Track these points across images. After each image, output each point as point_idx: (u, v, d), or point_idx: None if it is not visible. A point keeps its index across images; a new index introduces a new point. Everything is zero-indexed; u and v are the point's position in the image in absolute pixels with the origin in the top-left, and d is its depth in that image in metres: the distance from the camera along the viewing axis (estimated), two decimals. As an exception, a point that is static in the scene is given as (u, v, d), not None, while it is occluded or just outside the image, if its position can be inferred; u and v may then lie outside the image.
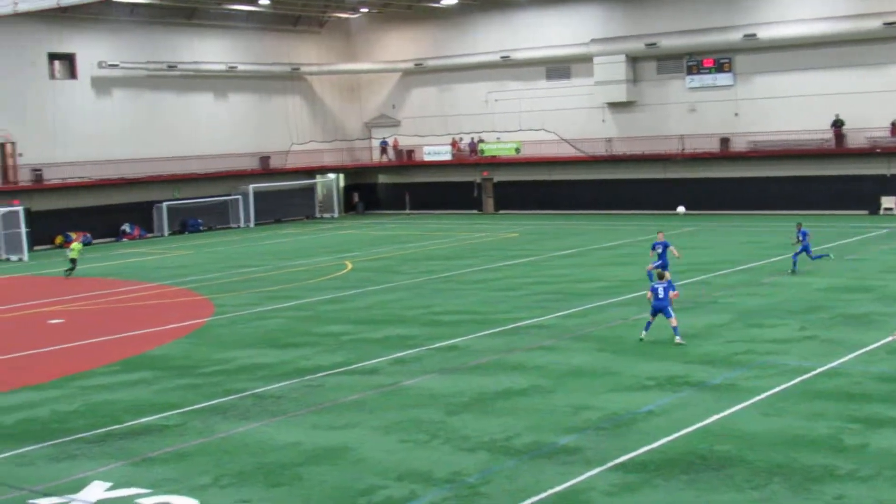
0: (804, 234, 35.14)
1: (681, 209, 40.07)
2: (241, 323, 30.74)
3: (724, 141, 61.80)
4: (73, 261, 44.75)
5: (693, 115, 63.06)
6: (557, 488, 14.84)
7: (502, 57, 68.99)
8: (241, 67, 69.51)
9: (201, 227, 66.41)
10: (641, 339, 24.83)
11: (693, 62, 62.71)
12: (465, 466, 16.04)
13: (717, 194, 61.96)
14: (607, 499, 14.41)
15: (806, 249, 35.26)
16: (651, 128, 64.23)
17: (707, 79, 62.50)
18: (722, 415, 18.22)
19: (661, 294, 24.61)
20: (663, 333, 25.45)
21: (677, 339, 24.49)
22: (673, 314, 24.57)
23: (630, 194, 64.91)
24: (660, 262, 32.06)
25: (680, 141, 62.98)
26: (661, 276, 25.38)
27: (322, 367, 23.75)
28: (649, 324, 25.05)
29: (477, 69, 70.99)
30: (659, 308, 24.60)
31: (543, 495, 14.59)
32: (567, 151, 67.17)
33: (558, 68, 67.93)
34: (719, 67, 61.97)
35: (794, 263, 35.31)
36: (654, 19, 63.37)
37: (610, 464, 15.77)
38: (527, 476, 15.44)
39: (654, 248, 33.13)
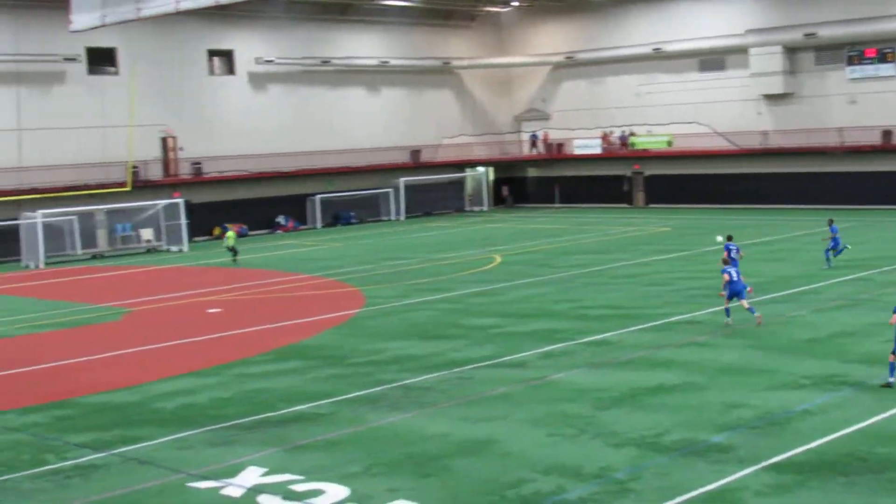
0: (835, 229, 36.50)
1: (719, 238, 39.67)
2: (391, 314, 31.09)
3: (887, 133, 59.77)
4: (231, 249, 46.56)
5: (853, 106, 61.16)
6: (708, 487, 14.59)
7: (654, 49, 68.12)
8: (393, 62, 70.27)
9: (353, 220, 67.39)
10: (727, 325, 26.16)
11: (854, 52, 60.85)
12: (613, 462, 15.91)
13: (879, 188, 59.97)
14: (760, 499, 14.10)
15: (835, 244, 36.37)
16: (809, 120, 62.56)
17: (869, 69, 60.55)
18: (883, 416, 17.66)
19: (734, 277, 26.19)
20: (820, 331, 24.88)
21: (757, 315, 26.12)
22: (746, 296, 26.34)
23: (786, 189, 63.35)
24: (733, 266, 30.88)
25: (839, 134, 61.18)
26: (726, 261, 27.08)
27: (470, 360, 23.85)
28: (728, 309, 26.39)
29: (628, 62, 70.28)
30: (735, 292, 26.17)
31: (694, 493, 14.36)
32: (720, 144, 65.92)
33: (712, 60, 66.74)
34: (882, 58, 59.95)
35: (828, 259, 36.33)
36: (812, 9, 61.67)
37: (763, 463, 15.44)
38: (677, 473, 15.23)
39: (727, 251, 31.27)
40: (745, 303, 26.31)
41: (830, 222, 37.23)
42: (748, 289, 26.63)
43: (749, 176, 65.17)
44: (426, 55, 72.45)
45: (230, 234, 48.05)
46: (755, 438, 16.76)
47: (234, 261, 47.02)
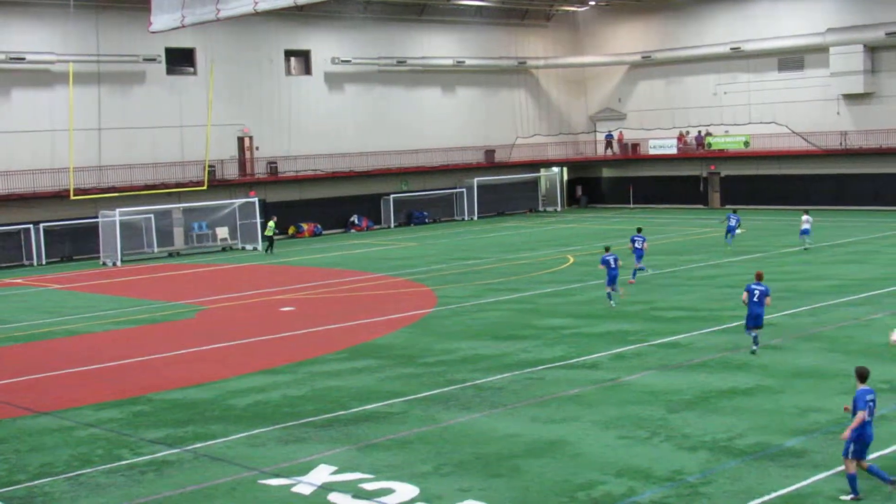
0: (730, 217, 44.45)
1: (739, 231, 45.90)
2: (463, 314, 31.11)
3: (970, 134, 58.58)
4: (269, 238, 48.12)
5: (936, 106, 60.05)
6: (781, 491, 14.43)
7: (732, 48, 67.36)
8: (468, 62, 70.31)
9: (426, 220, 67.54)
10: (613, 307, 30.54)
11: (937, 51, 59.72)
12: (685, 465, 15.78)
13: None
14: (834, 505, 13.92)
15: (730, 230, 44.12)
16: (889, 120, 61.41)
17: (952, 68, 59.40)
18: (962, 422, 17.32)
19: (612, 265, 30.77)
20: None
21: (621, 290, 31.65)
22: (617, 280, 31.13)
23: (866, 189, 62.29)
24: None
25: (921, 134, 60.09)
26: (607, 249, 31.89)
27: (542, 361, 23.79)
28: (609, 294, 31.04)
29: (706, 61, 69.59)
30: (613, 276, 30.78)
31: (766, 498, 14.21)
32: (798, 145, 65.01)
33: (791, 59, 65.84)
34: (966, 56, 58.75)
35: (727, 236, 44.64)
36: (894, 7, 60.54)
37: (838, 469, 15.19)
38: (749, 478, 15.06)
39: (632, 242, 36.27)
40: (619, 288, 31.55)
41: (735, 211, 45.94)
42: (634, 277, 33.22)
43: (827, 177, 64.19)
44: (502, 55, 72.39)
45: (271, 223, 49.56)
46: (830, 443, 16.51)
47: (266, 251, 48.91)
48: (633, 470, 15.69)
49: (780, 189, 66.08)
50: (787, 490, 14.48)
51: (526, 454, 16.73)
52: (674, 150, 70.71)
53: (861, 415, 13.94)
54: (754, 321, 23.35)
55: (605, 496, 14.64)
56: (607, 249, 31.83)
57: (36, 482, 16.52)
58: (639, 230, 37.75)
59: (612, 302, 30.86)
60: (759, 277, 24.01)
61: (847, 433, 14.02)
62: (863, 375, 14.51)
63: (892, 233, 48.02)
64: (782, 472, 15.27)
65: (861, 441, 14.05)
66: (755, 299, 23.26)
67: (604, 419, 18.54)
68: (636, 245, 35.83)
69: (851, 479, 14.05)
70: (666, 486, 14.93)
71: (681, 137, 70.63)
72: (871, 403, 14.16)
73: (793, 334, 25.54)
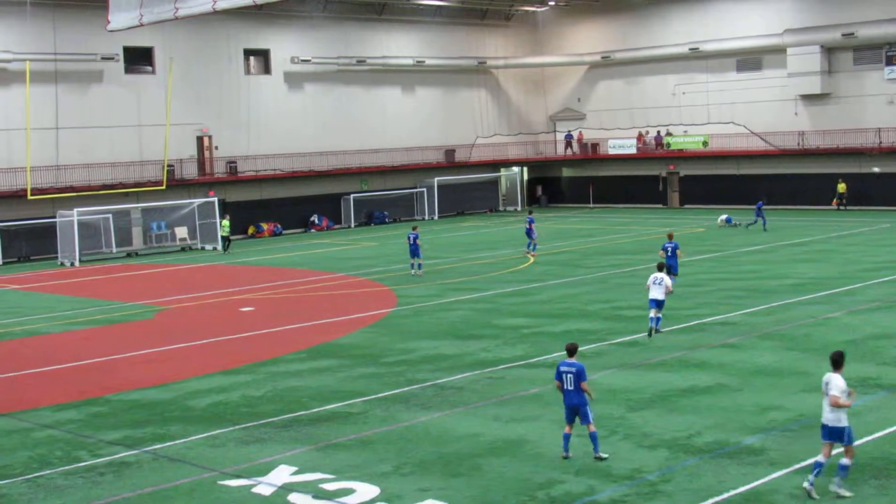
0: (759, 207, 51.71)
1: (722, 217, 52.68)
2: (423, 314, 31.10)
3: (925, 134, 59.22)
4: (224, 238, 50.80)
5: (891, 107, 60.60)
6: (740, 489, 14.52)
7: (691, 49, 67.79)
8: (428, 61, 70.28)
9: (387, 219, 67.48)
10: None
11: (893, 52, 60.23)
12: (645, 463, 15.85)
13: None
14: (792, 502, 14.02)
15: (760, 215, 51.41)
16: (846, 120, 62.04)
17: (907, 69, 60.03)
18: (917, 419, 17.50)
19: (412, 241, 38.76)
20: (856, 333, 24.68)
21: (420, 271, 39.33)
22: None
23: (823, 189, 62.84)
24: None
25: (877, 134, 60.65)
26: (414, 228, 40.02)
27: (503, 360, 23.83)
28: (412, 265, 38.35)
29: (665, 61, 69.97)
30: (412, 250, 38.80)
31: (725, 496, 14.30)
32: (757, 145, 65.54)
33: (749, 60, 66.34)
34: (921, 58, 59.41)
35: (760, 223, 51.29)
36: (851, 8, 61.16)
37: (796, 466, 15.34)
38: (708, 475, 15.15)
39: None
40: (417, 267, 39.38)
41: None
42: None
43: (785, 176, 64.74)
44: (462, 55, 72.45)
45: (225, 222, 50.24)
46: (788, 441, 16.66)
47: (224, 250, 50.47)
48: (592, 468, 15.74)
49: (739, 189, 66.53)
50: (746, 487, 14.57)
51: (486, 453, 16.75)
52: (633, 150, 71.07)
53: (557, 383, 16.56)
54: (669, 269, 29.89)
55: (565, 495, 14.68)
56: (414, 228, 40.38)
57: (-8, 485, 16.37)
58: (530, 212, 48.92)
59: (412, 271, 39.54)
60: (670, 237, 32.72)
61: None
62: (570, 350, 16.85)
63: (849, 232, 48.50)
64: (741, 469, 15.37)
65: (566, 407, 16.45)
66: (669, 254, 31.66)
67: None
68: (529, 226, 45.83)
69: (565, 438, 16.44)
70: (625, 484, 14.99)
71: (640, 137, 70.99)
72: (567, 374, 16.38)
73: (751, 333, 25.72)
